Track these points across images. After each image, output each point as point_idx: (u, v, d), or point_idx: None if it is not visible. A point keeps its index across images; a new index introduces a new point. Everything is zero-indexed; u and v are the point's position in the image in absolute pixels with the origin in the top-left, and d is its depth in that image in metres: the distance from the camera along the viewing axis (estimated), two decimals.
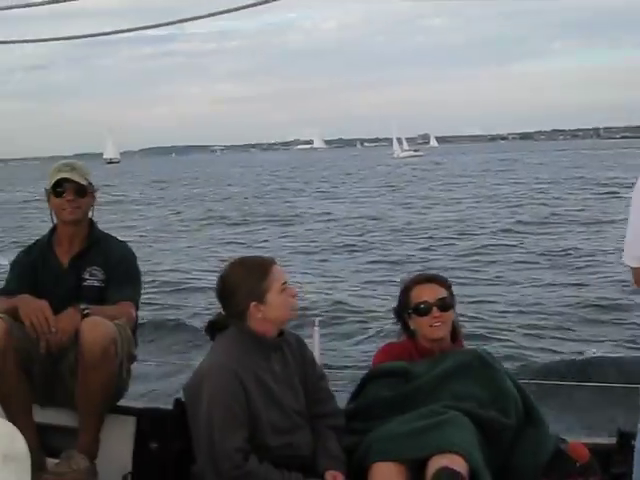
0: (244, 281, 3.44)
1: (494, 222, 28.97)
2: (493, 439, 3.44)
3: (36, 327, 3.79)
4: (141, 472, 3.94)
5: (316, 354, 4.15)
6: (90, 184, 4.23)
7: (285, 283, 3.50)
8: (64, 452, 3.85)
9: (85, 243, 4.22)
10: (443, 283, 3.92)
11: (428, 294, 3.82)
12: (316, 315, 4.83)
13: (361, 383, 3.84)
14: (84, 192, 4.18)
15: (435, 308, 3.78)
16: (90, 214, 4.31)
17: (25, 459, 1.75)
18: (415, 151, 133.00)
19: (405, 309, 3.88)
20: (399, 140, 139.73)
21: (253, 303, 3.41)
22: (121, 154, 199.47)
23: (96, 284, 4.14)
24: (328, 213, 34.78)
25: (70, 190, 4.13)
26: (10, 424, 1.78)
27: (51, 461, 3.84)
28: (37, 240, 4.36)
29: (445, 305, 3.81)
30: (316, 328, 4.65)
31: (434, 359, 3.76)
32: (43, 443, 3.92)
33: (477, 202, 37.36)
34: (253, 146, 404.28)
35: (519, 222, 28.46)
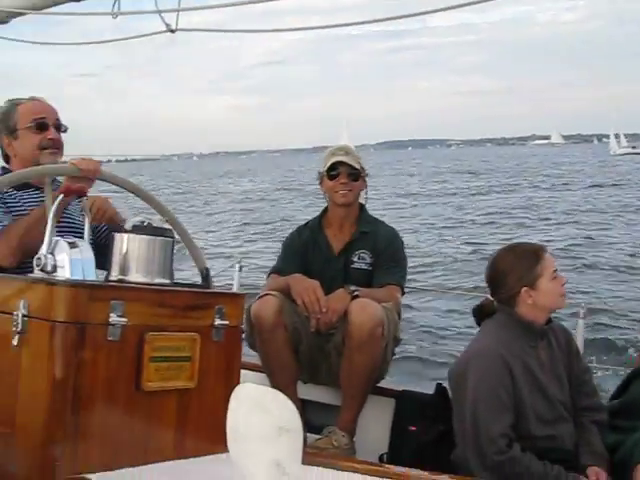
0: (516, 266, 3.42)
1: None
2: None
3: (307, 306, 3.95)
4: (397, 453, 3.97)
5: (580, 346, 4.04)
6: (362, 168, 4.34)
7: (556, 271, 3.46)
8: (326, 429, 3.97)
9: (355, 226, 4.34)
10: None
11: None
12: (580, 306, 4.65)
13: (627, 379, 3.70)
14: (357, 176, 4.31)
15: None
16: (363, 199, 4.44)
17: (298, 432, 1.78)
18: (633, 148, 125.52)
19: None
20: (617, 136, 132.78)
21: (524, 288, 3.38)
22: (356, 147, 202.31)
23: (364, 267, 4.25)
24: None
25: (344, 173, 4.26)
26: (286, 397, 1.83)
27: (311, 436, 3.95)
28: (308, 221, 4.52)
29: None
30: (580, 320, 4.52)
31: None
32: (305, 419, 4.05)
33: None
34: (489, 141, 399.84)
35: None
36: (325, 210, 4.45)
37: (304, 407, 4.07)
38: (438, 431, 3.77)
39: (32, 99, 3.60)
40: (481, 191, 42.16)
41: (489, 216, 29.37)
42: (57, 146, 3.51)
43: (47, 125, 3.50)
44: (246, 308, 3.83)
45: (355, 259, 4.26)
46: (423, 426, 3.90)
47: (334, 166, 4.28)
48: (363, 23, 3.81)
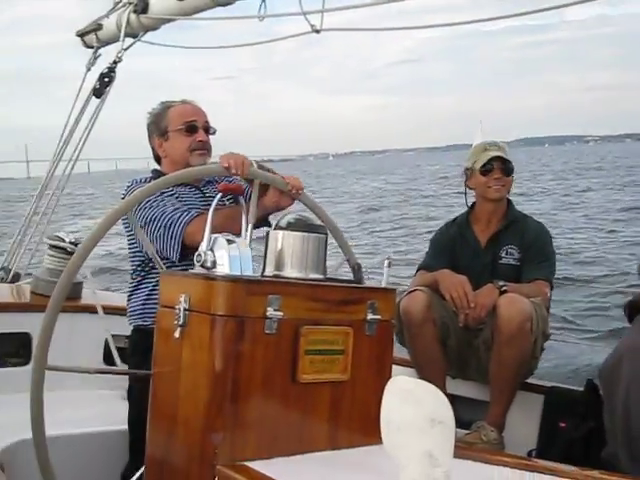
0: None
1: None
2: None
3: (455, 301, 3.97)
4: (547, 449, 3.94)
5: None
6: (512, 163, 4.34)
7: None
8: (475, 424, 3.98)
9: (502, 222, 4.34)
10: None
11: None
12: None
13: None
14: (510, 171, 4.32)
15: None
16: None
17: (451, 424, 1.78)
18: None
19: None
20: None
21: None
22: None
23: (512, 262, 4.24)
24: None
25: (498, 168, 4.28)
26: (437, 389, 1.83)
27: (460, 431, 3.93)
28: (456, 217, 4.54)
29: None
30: None
31: None
32: (454, 413, 4.04)
33: None
34: (628, 136, 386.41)
35: None
36: (472, 206, 4.46)
37: (453, 402, 4.06)
38: (588, 428, 3.73)
39: (183, 102, 3.69)
40: (593, 188, 40.80)
41: (596, 214, 28.39)
42: (206, 148, 3.58)
43: (197, 128, 3.58)
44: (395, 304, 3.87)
45: (503, 254, 4.26)
46: (573, 423, 3.86)
47: (489, 161, 4.28)
48: (499, 18, 3.79)
